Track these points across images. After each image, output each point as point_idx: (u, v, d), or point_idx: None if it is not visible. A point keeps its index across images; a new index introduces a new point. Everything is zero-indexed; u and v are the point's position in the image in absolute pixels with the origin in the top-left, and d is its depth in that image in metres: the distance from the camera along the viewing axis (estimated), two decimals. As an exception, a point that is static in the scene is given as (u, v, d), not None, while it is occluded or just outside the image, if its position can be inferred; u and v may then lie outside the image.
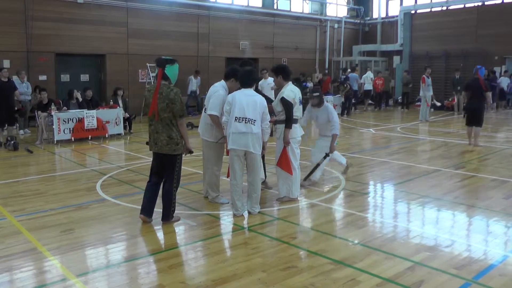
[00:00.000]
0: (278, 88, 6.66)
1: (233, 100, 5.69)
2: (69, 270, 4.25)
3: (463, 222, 5.81)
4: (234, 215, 5.82)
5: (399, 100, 22.07)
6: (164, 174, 5.42)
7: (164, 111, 5.16)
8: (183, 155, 5.49)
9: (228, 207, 6.12)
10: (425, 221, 5.80)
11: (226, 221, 5.73)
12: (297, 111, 6.34)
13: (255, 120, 5.64)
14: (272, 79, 13.65)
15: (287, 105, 6.15)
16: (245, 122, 5.60)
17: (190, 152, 5.50)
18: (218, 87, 6.19)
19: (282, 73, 6.37)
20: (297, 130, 6.39)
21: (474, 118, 10.79)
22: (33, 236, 5.12)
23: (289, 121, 6.18)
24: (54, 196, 6.84)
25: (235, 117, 5.63)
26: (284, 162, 6.25)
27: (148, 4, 17.61)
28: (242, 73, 5.94)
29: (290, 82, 6.40)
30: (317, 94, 7.54)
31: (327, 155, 7.40)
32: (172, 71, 5.27)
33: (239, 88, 5.94)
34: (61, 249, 4.77)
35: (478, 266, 4.36)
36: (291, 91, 6.25)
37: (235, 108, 5.64)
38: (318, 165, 7.39)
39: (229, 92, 6.05)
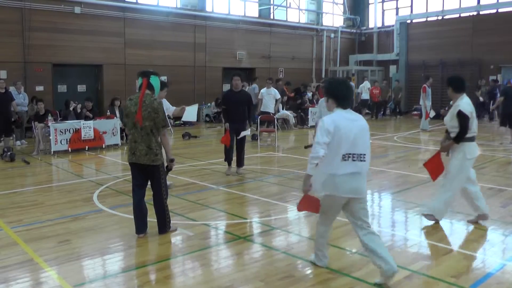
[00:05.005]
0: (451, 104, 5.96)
1: (335, 129, 4.03)
2: (66, 281, 4.22)
3: (461, 230, 5.81)
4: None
5: (392, 107, 22.15)
6: (152, 186, 5.36)
7: (146, 119, 5.18)
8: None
9: (224, 216, 6.10)
10: (423, 230, 5.80)
11: (223, 231, 5.72)
12: (473, 124, 5.63)
13: (365, 155, 4.21)
14: (275, 90, 13.57)
15: (463, 119, 5.54)
16: (353, 160, 4.14)
17: (171, 160, 5.39)
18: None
19: (453, 84, 5.79)
20: (474, 149, 5.69)
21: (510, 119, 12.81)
22: (30, 247, 5.10)
23: (460, 136, 5.59)
24: (51, 207, 6.82)
25: (342, 154, 4.07)
26: (435, 167, 5.88)
27: (145, 14, 17.70)
28: (334, 87, 4.28)
29: (465, 94, 5.72)
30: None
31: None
32: (156, 82, 5.36)
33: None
34: (58, 260, 4.74)
35: (476, 275, 4.36)
36: (467, 104, 5.60)
37: (341, 141, 4.04)
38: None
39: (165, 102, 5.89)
